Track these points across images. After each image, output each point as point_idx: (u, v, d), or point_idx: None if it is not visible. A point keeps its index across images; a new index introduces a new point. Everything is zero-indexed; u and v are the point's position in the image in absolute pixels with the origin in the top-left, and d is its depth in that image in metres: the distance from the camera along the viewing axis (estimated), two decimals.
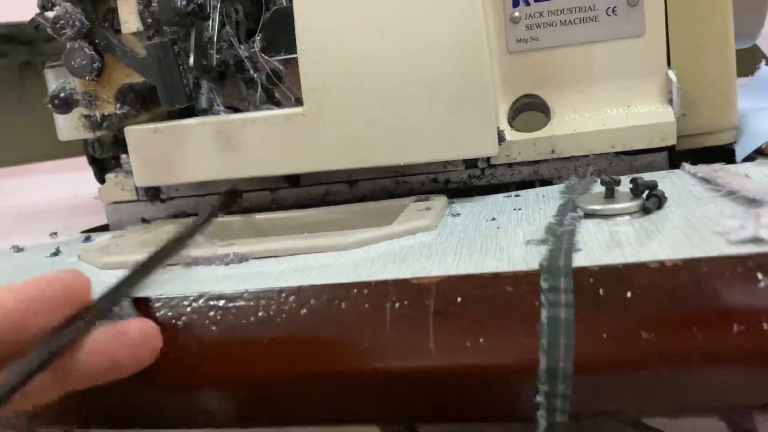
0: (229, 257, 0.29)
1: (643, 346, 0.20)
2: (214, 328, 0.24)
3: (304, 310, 0.23)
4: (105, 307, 0.22)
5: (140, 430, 0.25)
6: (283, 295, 0.24)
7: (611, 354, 0.20)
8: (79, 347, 0.21)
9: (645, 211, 0.27)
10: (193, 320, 0.24)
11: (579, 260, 0.22)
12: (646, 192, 0.28)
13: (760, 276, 0.20)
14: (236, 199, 0.37)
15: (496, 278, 0.22)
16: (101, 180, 0.43)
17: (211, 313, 0.24)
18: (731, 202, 0.27)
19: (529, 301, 0.21)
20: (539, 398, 0.21)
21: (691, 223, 0.25)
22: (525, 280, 0.22)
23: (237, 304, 0.24)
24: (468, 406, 0.22)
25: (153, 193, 0.41)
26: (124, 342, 0.22)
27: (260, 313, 0.24)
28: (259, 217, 0.37)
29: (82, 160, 0.50)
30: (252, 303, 0.24)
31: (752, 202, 0.25)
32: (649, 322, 0.20)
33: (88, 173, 0.46)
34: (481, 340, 0.21)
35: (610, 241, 0.24)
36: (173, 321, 0.24)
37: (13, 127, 0.60)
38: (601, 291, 0.21)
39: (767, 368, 0.20)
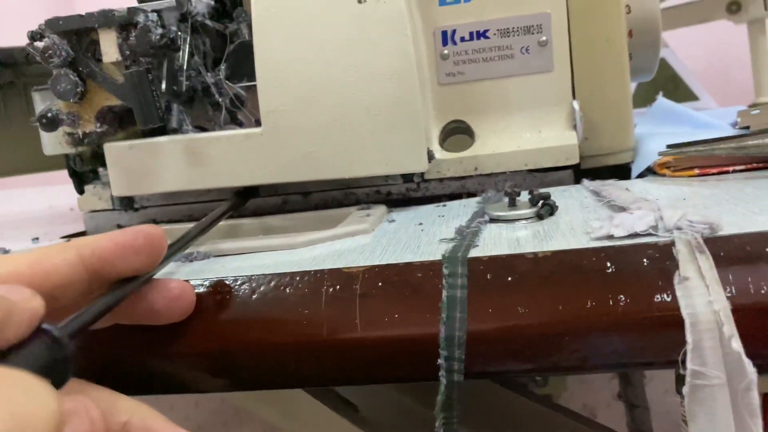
0: (193, 255, 0.35)
1: (518, 319, 0.26)
2: None
3: (256, 294, 0.29)
4: (167, 259, 0.27)
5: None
6: (238, 282, 0.29)
7: (495, 325, 0.26)
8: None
9: (539, 217, 0.33)
10: None
11: (475, 253, 0.28)
12: (541, 202, 0.34)
13: (608, 264, 0.26)
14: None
15: (408, 266, 0.28)
16: (80, 191, 0.48)
17: None
18: (608, 209, 0.33)
19: (433, 284, 0.27)
20: (440, 361, 0.26)
21: (571, 226, 0.31)
22: (431, 268, 0.27)
23: (202, 289, 0.29)
24: (386, 369, 0.27)
25: (127, 203, 0.46)
26: (165, 295, 0.27)
27: (218, 297, 0.29)
28: (223, 223, 0.43)
29: (57, 176, 0.54)
30: (212, 288, 0.29)
31: (620, 209, 0.31)
32: (524, 300, 0.26)
33: (63, 187, 0.51)
34: (396, 316, 0.27)
35: (505, 239, 0.30)
36: None
37: None
38: (488, 276, 0.27)
39: (613, 335, 0.26)
